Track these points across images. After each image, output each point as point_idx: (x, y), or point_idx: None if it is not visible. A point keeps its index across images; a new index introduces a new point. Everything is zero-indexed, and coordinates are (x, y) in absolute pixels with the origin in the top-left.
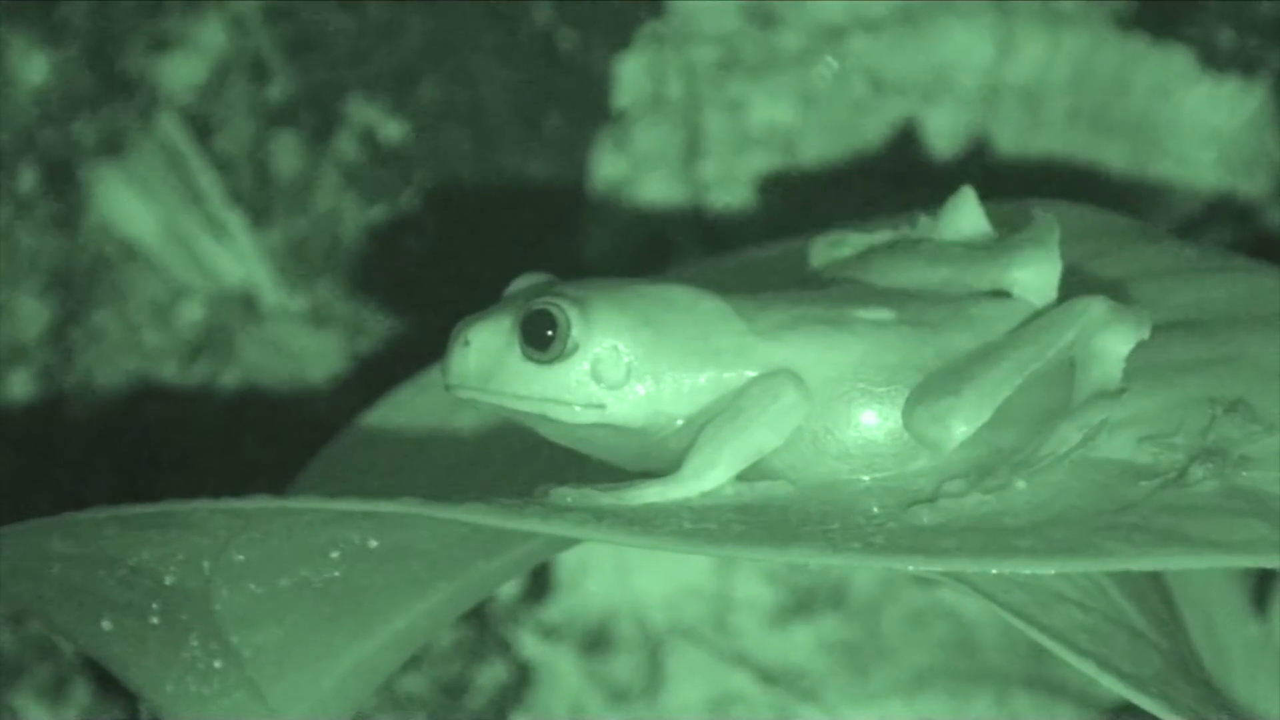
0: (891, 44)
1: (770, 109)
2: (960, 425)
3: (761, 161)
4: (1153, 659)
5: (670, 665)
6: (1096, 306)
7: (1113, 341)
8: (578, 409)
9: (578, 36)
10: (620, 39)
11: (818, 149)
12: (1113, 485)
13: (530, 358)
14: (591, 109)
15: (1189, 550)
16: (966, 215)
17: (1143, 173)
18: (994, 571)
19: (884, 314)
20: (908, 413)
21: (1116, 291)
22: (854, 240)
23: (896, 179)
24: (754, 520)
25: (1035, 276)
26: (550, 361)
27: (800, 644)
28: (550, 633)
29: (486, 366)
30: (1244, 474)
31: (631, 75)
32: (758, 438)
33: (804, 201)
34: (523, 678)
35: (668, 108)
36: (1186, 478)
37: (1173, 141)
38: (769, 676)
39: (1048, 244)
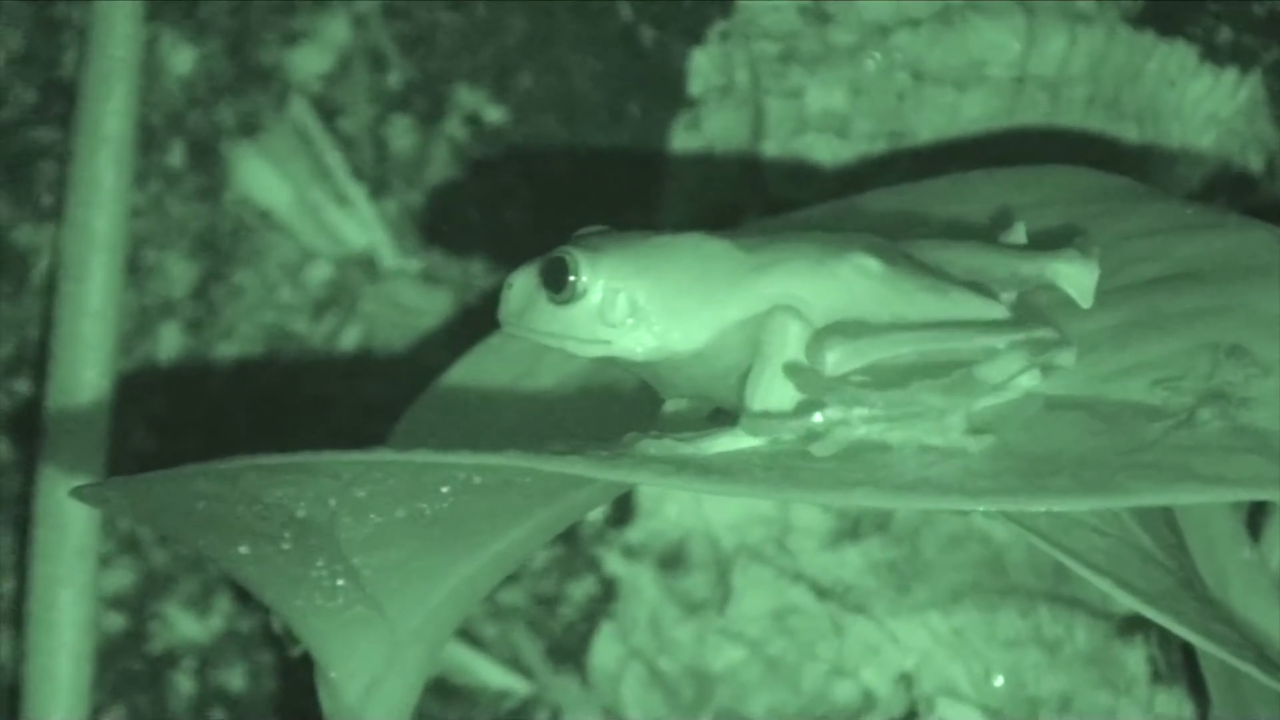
0: (930, 40)
1: (824, 97)
2: (831, 357)
3: (816, 142)
4: (1161, 578)
5: (737, 581)
6: (1018, 356)
7: (997, 375)
8: (588, 344)
9: (656, 33)
10: (693, 35)
11: (866, 131)
12: (1130, 425)
13: (550, 299)
14: (668, 96)
15: (1201, 486)
16: (1016, 236)
17: (1150, 151)
18: (1030, 509)
19: (872, 264)
20: (814, 335)
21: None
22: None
23: (935, 157)
24: (815, 465)
25: (1076, 273)
26: (565, 302)
27: (850, 563)
28: (632, 552)
29: (522, 306)
30: (1245, 414)
31: (703, 67)
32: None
33: (854, 176)
34: (609, 591)
35: (735, 95)
36: (1195, 419)
37: (1176, 124)
38: (823, 591)
39: (1090, 253)
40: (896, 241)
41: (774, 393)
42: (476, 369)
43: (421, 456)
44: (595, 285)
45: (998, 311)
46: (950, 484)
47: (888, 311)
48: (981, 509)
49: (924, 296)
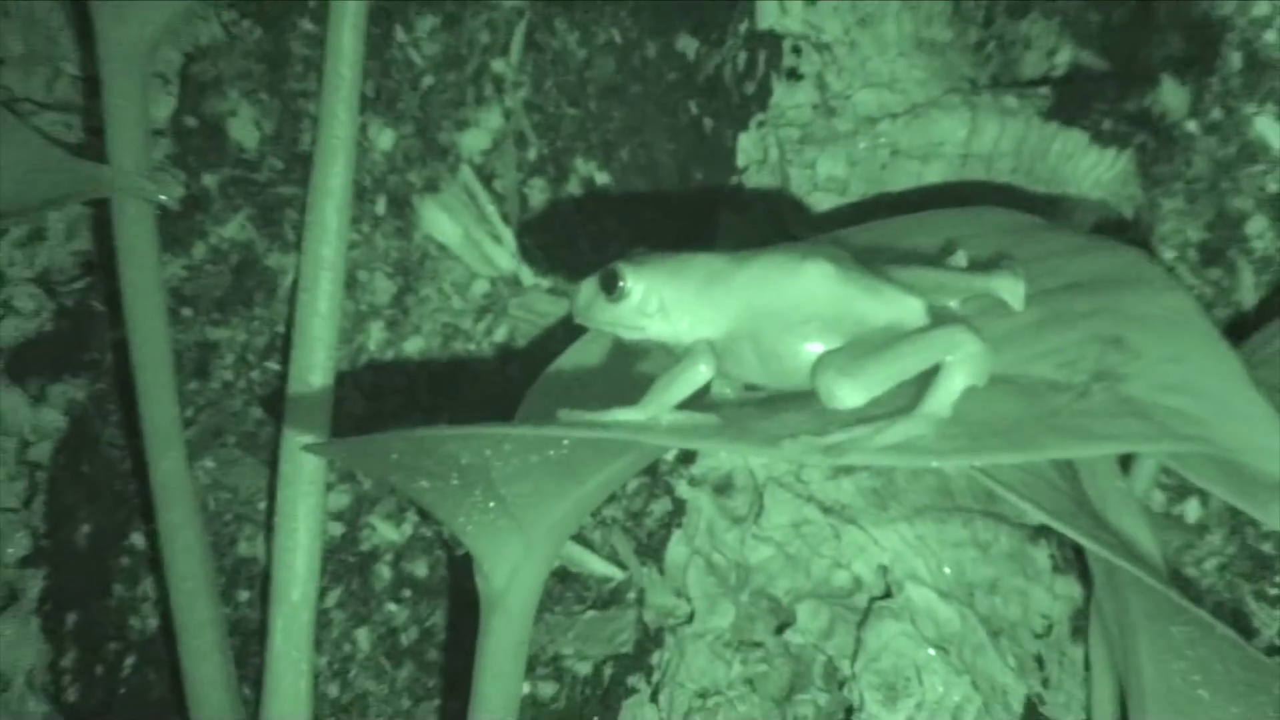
0: (903, 127)
1: (830, 167)
2: (849, 399)
3: (824, 199)
4: (1061, 500)
5: (767, 501)
6: (972, 345)
7: (959, 378)
8: (630, 330)
9: (714, 122)
10: (740, 124)
11: (858, 191)
12: (1043, 397)
13: (605, 298)
14: (722, 166)
15: (1097, 442)
16: (958, 259)
17: (1056, 204)
18: (977, 463)
19: (828, 268)
20: (817, 372)
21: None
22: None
23: (904, 206)
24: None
25: (1010, 285)
26: (615, 300)
27: (845, 489)
28: (695, 481)
29: (587, 303)
30: (1124, 387)
31: (746, 146)
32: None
33: (848, 220)
34: (678, 508)
35: (768, 166)
36: (1089, 392)
37: (1073, 186)
38: (826, 509)
39: (1018, 271)
40: (856, 256)
41: (656, 395)
42: (577, 357)
43: (547, 430)
44: (636, 288)
45: (916, 306)
46: (925, 447)
47: (836, 307)
48: (946, 465)
49: (865, 297)
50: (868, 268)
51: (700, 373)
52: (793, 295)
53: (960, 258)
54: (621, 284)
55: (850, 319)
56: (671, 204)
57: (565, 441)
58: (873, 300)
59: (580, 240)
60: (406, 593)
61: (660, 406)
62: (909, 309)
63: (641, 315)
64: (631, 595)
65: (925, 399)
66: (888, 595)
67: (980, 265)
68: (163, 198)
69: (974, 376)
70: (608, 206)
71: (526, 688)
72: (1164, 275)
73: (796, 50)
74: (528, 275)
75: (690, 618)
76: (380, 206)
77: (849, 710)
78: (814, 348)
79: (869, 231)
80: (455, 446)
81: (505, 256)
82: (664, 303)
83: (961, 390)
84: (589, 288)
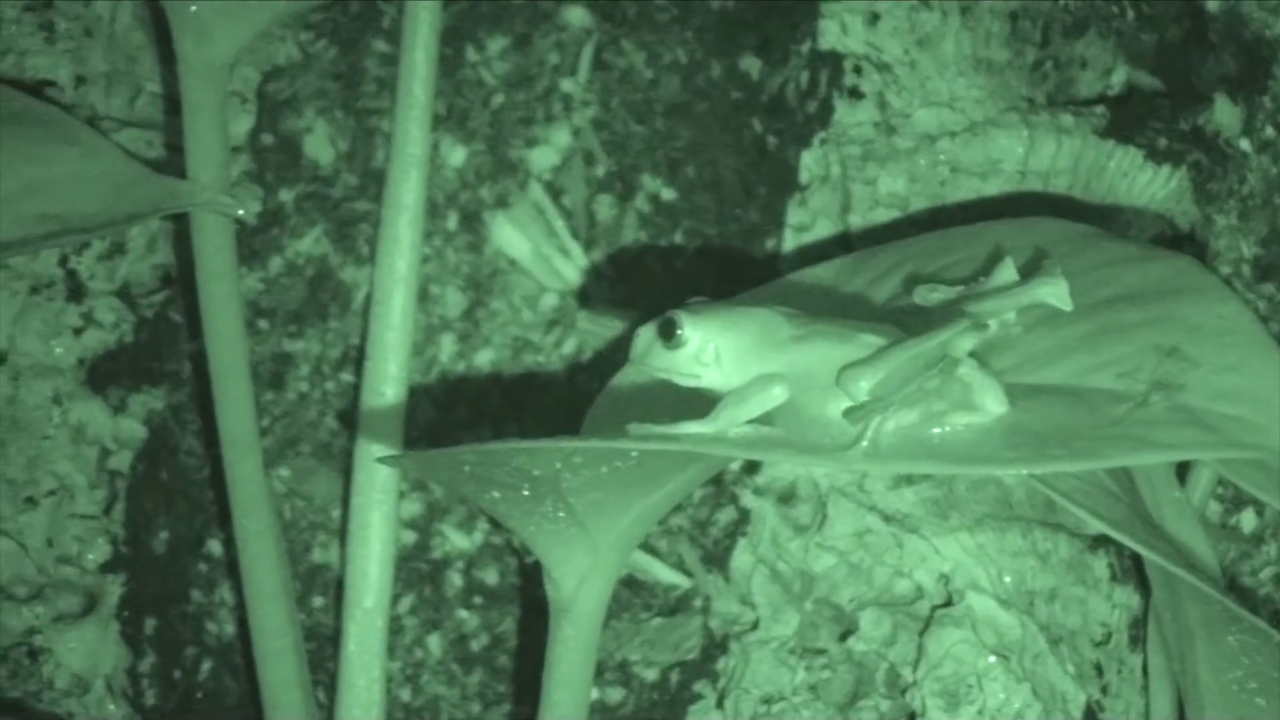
0: (963, 145)
1: (891, 183)
2: (863, 383)
3: (885, 215)
4: (1119, 509)
5: (831, 510)
6: (963, 324)
7: (964, 340)
8: (686, 377)
9: (778, 140)
10: (803, 142)
11: (918, 206)
12: (1103, 407)
13: (663, 345)
14: (786, 183)
15: (1156, 451)
16: (1006, 270)
17: (1111, 220)
18: (1038, 472)
19: (873, 339)
20: (839, 377)
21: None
22: (943, 289)
23: (965, 221)
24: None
25: (1053, 289)
26: (673, 349)
27: (907, 499)
28: (760, 491)
29: (644, 349)
30: (1181, 396)
31: (809, 163)
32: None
33: (907, 235)
34: (743, 518)
35: (830, 182)
36: (1148, 401)
37: (1129, 202)
38: (889, 518)
39: (1055, 272)
40: (906, 320)
41: (723, 414)
42: (639, 371)
43: (614, 443)
44: (693, 337)
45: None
46: (987, 456)
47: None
48: (1008, 473)
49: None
50: (918, 337)
51: (774, 394)
52: (842, 360)
53: (1008, 268)
54: (679, 332)
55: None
56: (736, 220)
57: (634, 453)
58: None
59: (646, 255)
60: (477, 599)
61: (730, 421)
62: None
63: (697, 364)
64: (697, 603)
65: (947, 363)
66: (949, 603)
67: (1023, 275)
68: (240, 212)
69: (975, 338)
70: (673, 222)
71: (595, 693)
72: (1218, 284)
73: (858, 70)
74: (595, 288)
75: (755, 625)
76: (452, 222)
77: (911, 716)
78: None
79: (924, 243)
80: (526, 459)
81: (574, 271)
82: (719, 353)
83: (971, 345)
84: (647, 334)
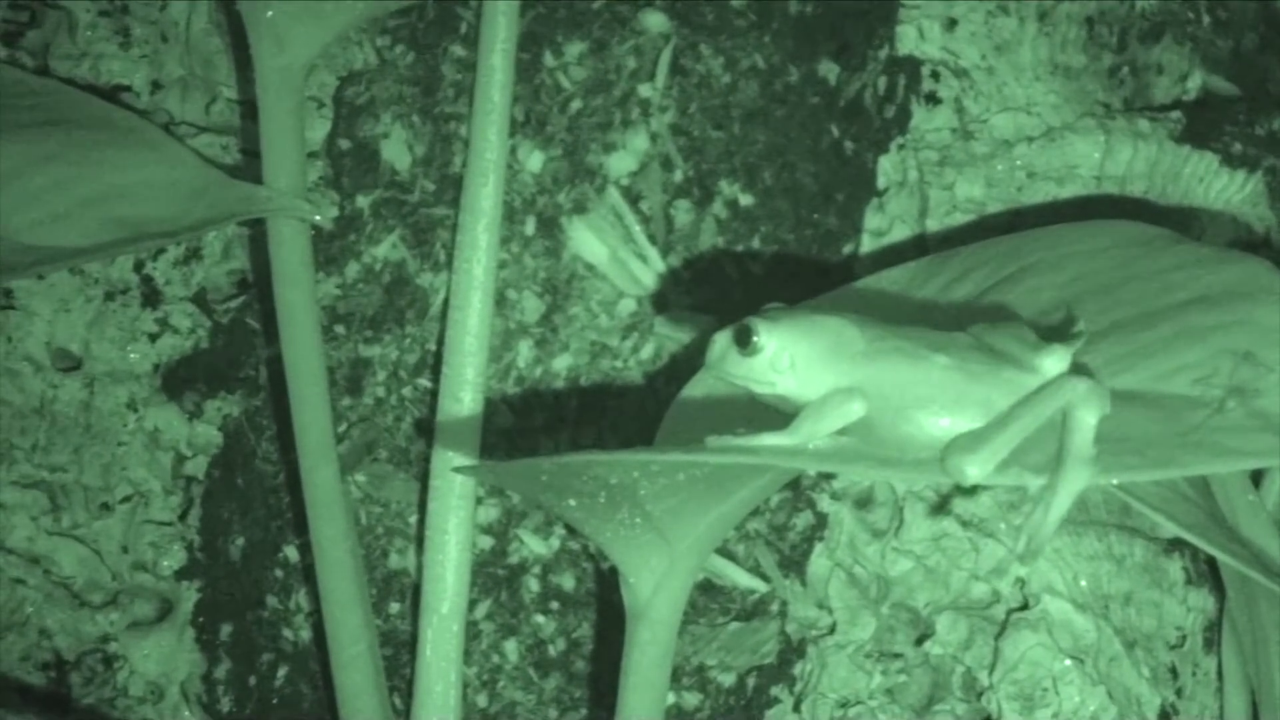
0: (1039, 150)
1: (968, 189)
2: (973, 470)
3: (962, 219)
4: (1194, 512)
5: (907, 515)
6: (1081, 385)
7: (1087, 414)
8: (761, 384)
9: (855, 145)
10: (881, 147)
11: (994, 211)
12: (1179, 413)
13: (739, 352)
14: (863, 188)
15: (1233, 458)
16: (1078, 327)
17: (1188, 225)
18: (1115, 481)
19: (946, 360)
20: (945, 454)
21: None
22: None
23: (1042, 223)
24: None
25: (1056, 363)
26: (748, 356)
27: (983, 503)
28: (837, 496)
29: (720, 356)
30: (1258, 402)
31: (887, 168)
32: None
33: (984, 238)
34: (820, 522)
35: (908, 187)
36: (1224, 407)
37: (1204, 207)
38: (965, 523)
39: (1073, 345)
40: (980, 337)
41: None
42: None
43: (688, 455)
44: (769, 344)
45: (1034, 384)
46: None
47: (953, 394)
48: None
49: (986, 382)
50: (991, 354)
51: (853, 409)
52: (916, 381)
53: (1080, 325)
54: (755, 339)
55: (971, 401)
56: (814, 226)
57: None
58: (994, 385)
59: (723, 260)
60: (554, 605)
61: (810, 435)
62: (1028, 388)
63: (773, 371)
64: (774, 607)
65: (1065, 450)
66: (1025, 607)
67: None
68: (317, 218)
69: (1097, 410)
70: (751, 228)
71: (671, 698)
72: None
73: (935, 75)
74: (673, 294)
75: (832, 629)
76: (529, 227)
77: (987, 719)
78: (931, 424)
79: (997, 246)
80: (604, 468)
81: (651, 276)
82: (794, 361)
83: (1094, 426)
84: (723, 340)
